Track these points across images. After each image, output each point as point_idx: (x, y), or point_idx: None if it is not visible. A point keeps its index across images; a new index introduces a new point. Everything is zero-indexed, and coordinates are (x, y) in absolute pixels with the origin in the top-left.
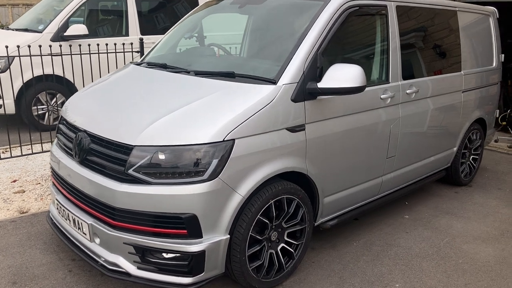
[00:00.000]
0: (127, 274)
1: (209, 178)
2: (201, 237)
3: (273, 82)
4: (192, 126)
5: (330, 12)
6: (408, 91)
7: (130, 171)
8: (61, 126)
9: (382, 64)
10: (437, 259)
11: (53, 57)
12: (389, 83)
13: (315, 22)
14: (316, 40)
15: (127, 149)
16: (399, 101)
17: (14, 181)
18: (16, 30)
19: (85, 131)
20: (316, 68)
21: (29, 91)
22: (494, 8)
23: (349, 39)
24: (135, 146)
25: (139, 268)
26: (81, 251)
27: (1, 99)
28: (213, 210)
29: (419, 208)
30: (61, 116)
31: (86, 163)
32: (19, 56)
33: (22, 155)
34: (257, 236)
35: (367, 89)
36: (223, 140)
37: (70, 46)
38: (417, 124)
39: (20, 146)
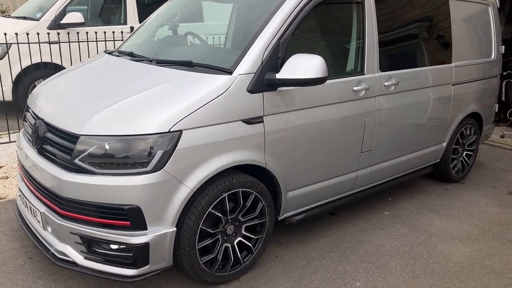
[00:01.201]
0: (74, 263)
1: (154, 170)
2: (146, 229)
3: (229, 72)
4: (138, 116)
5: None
6: (386, 83)
7: (76, 161)
8: (26, 113)
9: (356, 55)
10: (407, 258)
11: (50, 45)
12: (363, 74)
13: (278, 10)
14: (277, 29)
15: (74, 138)
16: (376, 93)
17: (0, 167)
18: (16, 18)
19: (42, 119)
20: (277, 58)
21: (27, 78)
22: None
23: (319, 28)
24: (80, 135)
25: (86, 258)
26: (36, 239)
27: None
28: (158, 202)
29: (402, 204)
30: (27, 104)
31: (42, 152)
32: (17, 43)
33: (10, 142)
34: (209, 230)
35: (336, 80)
36: (169, 131)
37: (68, 33)
38: (398, 118)
39: (8, 133)
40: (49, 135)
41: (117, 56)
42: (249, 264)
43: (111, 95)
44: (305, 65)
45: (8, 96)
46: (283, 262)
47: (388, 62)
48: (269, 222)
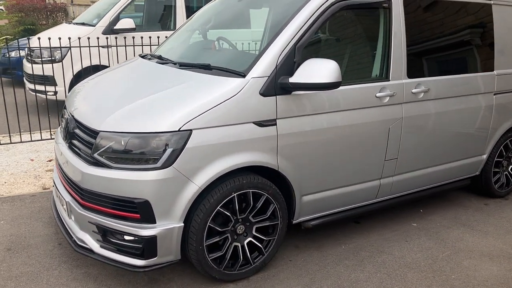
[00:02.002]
0: (91, 251)
1: (163, 166)
2: (155, 222)
3: (243, 75)
4: (151, 115)
5: (315, 5)
6: (414, 91)
7: (95, 155)
8: (64, 110)
9: (381, 61)
10: (426, 272)
11: (104, 48)
12: (388, 80)
13: (296, 15)
14: (294, 34)
15: (94, 133)
16: (402, 100)
17: (50, 160)
18: (76, 24)
19: (72, 116)
20: (292, 63)
21: (79, 81)
22: None
23: (341, 33)
24: (100, 131)
25: (101, 246)
26: (63, 226)
27: (56, 86)
28: (166, 197)
29: (433, 217)
30: (65, 102)
31: (71, 146)
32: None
33: None
34: (217, 228)
35: (357, 86)
36: (179, 130)
37: (125, 38)
38: (427, 126)
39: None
40: (76, 130)
41: (148, 59)
42: (259, 265)
43: (132, 95)
44: (318, 69)
45: (63, 96)
46: (296, 265)
47: (418, 68)
48: (281, 224)
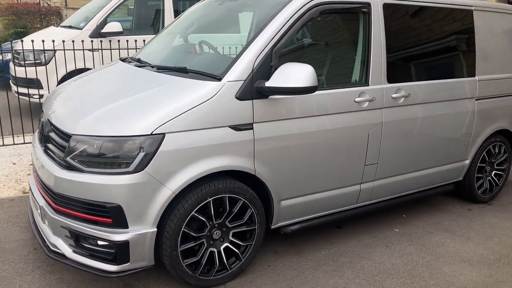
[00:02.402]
0: (64, 256)
1: (135, 170)
2: (127, 227)
3: (218, 78)
4: (124, 118)
5: (293, 9)
6: (394, 95)
7: (68, 159)
8: (41, 114)
9: (361, 66)
10: (405, 278)
11: (92, 52)
12: (368, 85)
13: (274, 19)
14: (271, 38)
15: (67, 136)
16: (382, 105)
17: (30, 164)
18: (63, 27)
19: (48, 119)
20: (269, 67)
21: None
22: None
23: (321, 37)
24: (72, 134)
25: (74, 252)
26: (37, 231)
27: (42, 90)
28: (139, 202)
29: (416, 222)
30: (42, 105)
31: (45, 150)
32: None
33: None
34: (192, 233)
35: (335, 90)
36: (151, 134)
37: (110, 41)
38: (408, 131)
39: None
40: (51, 134)
41: (128, 62)
42: (236, 270)
43: (106, 98)
44: (294, 74)
45: None
46: (274, 271)
47: (398, 73)
48: (259, 229)
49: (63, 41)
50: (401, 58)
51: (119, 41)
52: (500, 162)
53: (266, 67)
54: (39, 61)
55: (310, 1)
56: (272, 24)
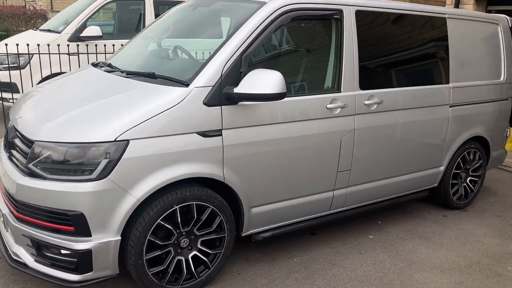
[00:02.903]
0: (25, 265)
1: (98, 178)
2: (90, 235)
3: (186, 84)
4: (87, 124)
5: (263, 15)
6: (366, 102)
7: (30, 165)
8: (9, 119)
9: (333, 72)
10: (376, 285)
11: (68, 56)
12: (340, 92)
13: (244, 25)
14: (241, 43)
15: (30, 143)
16: (354, 112)
17: None
18: (42, 30)
19: (13, 125)
20: (239, 73)
21: None
22: (506, 16)
23: (291, 44)
24: (35, 141)
25: (36, 261)
26: (1, 240)
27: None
28: (102, 210)
29: (391, 229)
30: (9, 111)
31: (9, 155)
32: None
33: None
34: (158, 241)
35: (307, 97)
36: (115, 140)
37: (87, 45)
38: (381, 138)
39: None
40: (15, 140)
41: (99, 67)
42: (205, 279)
43: (72, 104)
44: (263, 80)
45: None
46: (245, 279)
47: (371, 80)
48: (228, 237)
49: (38, 45)
50: (374, 65)
51: (96, 45)
52: (475, 169)
53: (235, 73)
54: (15, 64)
55: (281, 7)
56: (242, 30)
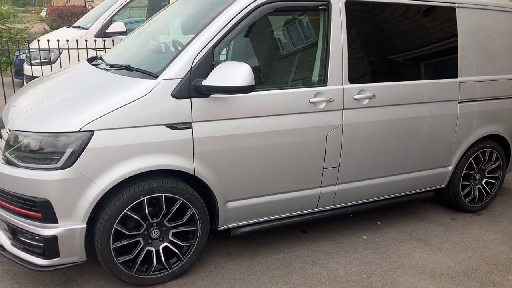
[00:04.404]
0: (2, 247)
1: (63, 167)
2: (56, 222)
3: (155, 76)
4: (56, 115)
5: (239, 6)
6: (356, 96)
7: (6, 153)
8: None
9: (319, 65)
10: (355, 287)
11: (95, 51)
12: (325, 86)
13: (217, 17)
14: (213, 36)
15: (8, 132)
16: (342, 106)
17: None
18: (73, 27)
19: (1, 116)
20: (210, 65)
21: None
22: None
23: (271, 36)
24: (11, 130)
25: (12, 244)
26: None
27: None
28: (67, 198)
29: (389, 230)
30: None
31: None
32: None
33: None
34: (125, 231)
35: (287, 90)
36: (79, 131)
37: (113, 40)
38: (374, 134)
39: None
40: (1, 131)
41: (90, 62)
42: (177, 270)
43: (49, 96)
44: (231, 72)
45: None
46: (220, 273)
47: (361, 73)
48: (201, 230)
49: (67, 41)
50: (367, 58)
51: (121, 40)
52: (492, 170)
53: (206, 66)
54: (47, 60)
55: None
56: (215, 22)
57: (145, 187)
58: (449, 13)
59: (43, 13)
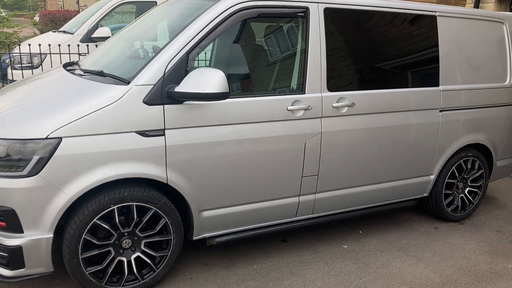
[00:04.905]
0: None
1: (29, 174)
2: (22, 232)
3: (127, 82)
4: (22, 121)
5: (214, 13)
6: (335, 105)
7: None
8: None
9: (297, 73)
10: None
11: (78, 56)
12: (303, 93)
13: (192, 23)
14: (186, 42)
15: None
16: (320, 114)
17: None
18: (59, 32)
19: None
20: (184, 71)
21: None
22: None
23: (249, 43)
24: None
25: None
26: None
27: None
28: (33, 206)
29: (370, 239)
30: None
31: None
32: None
33: None
34: (94, 241)
35: (263, 98)
36: (46, 138)
37: (96, 46)
38: (355, 143)
39: None
40: None
41: (65, 67)
42: (149, 281)
43: (19, 102)
44: (204, 79)
45: None
46: (194, 284)
47: (341, 82)
48: (175, 240)
49: (49, 45)
50: (346, 66)
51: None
52: (474, 179)
53: (179, 72)
54: (30, 64)
55: (234, 5)
56: (190, 28)
57: (115, 195)
58: (430, 22)
59: (37, 18)
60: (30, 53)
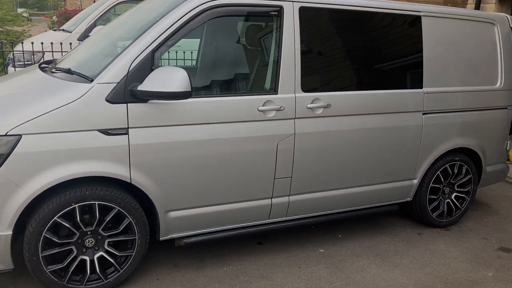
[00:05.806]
0: None
1: None
2: None
3: (90, 80)
4: None
5: (182, 11)
6: (310, 105)
7: None
8: None
9: (270, 72)
10: None
11: None
12: (276, 94)
13: (159, 21)
14: (152, 40)
15: None
16: (293, 115)
17: None
18: (59, 30)
19: None
20: (149, 70)
21: None
22: (506, 15)
23: (219, 41)
24: None
25: None
26: None
27: None
28: None
29: (348, 244)
30: None
31: None
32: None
33: None
34: (55, 239)
35: (232, 98)
36: (5, 135)
37: None
38: (331, 145)
39: None
40: None
41: (40, 67)
42: (113, 281)
43: None
44: (167, 78)
45: None
46: (160, 285)
47: (317, 82)
48: (139, 240)
49: (52, 43)
50: (322, 66)
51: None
52: (462, 184)
53: (144, 70)
54: (30, 62)
55: (204, 3)
56: (156, 26)
57: (76, 194)
58: (414, 22)
59: (55, 17)
60: (23, 51)
